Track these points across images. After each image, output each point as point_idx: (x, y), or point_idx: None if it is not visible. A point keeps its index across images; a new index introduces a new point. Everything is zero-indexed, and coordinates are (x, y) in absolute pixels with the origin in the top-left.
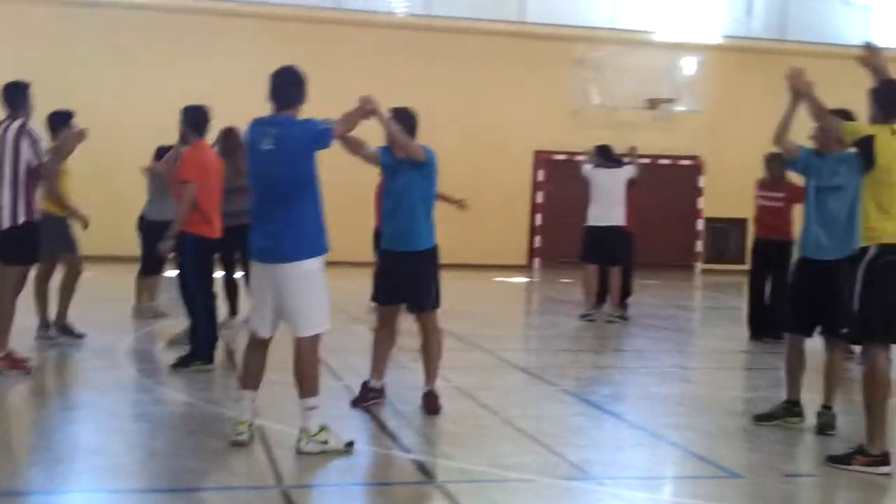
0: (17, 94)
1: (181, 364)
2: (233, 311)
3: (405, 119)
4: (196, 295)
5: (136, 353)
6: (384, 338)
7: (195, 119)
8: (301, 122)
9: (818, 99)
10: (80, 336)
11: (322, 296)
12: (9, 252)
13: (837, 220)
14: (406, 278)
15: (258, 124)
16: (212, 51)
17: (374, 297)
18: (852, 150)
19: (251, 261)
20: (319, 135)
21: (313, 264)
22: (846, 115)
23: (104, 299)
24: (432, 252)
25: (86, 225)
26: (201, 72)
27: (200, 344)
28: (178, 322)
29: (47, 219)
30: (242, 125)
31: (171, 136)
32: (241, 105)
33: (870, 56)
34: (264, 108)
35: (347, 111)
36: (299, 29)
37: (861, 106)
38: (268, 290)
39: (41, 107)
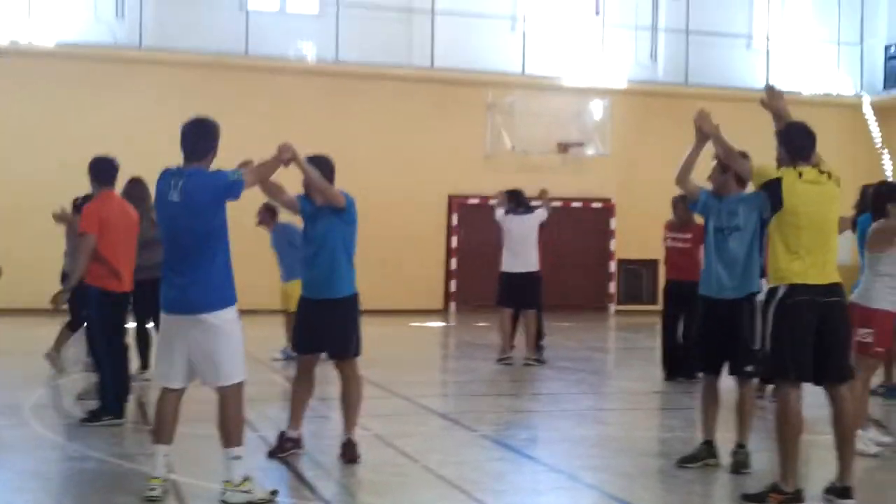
0: None
1: (91, 419)
2: (144, 364)
3: (323, 166)
4: (101, 349)
5: (43, 409)
6: (303, 387)
7: (96, 170)
8: (210, 174)
9: (726, 140)
10: None
11: (236, 346)
12: None
13: (737, 260)
14: (327, 326)
15: (167, 175)
16: (122, 98)
17: (295, 347)
18: (749, 191)
19: (161, 312)
20: (229, 186)
21: (225, 315)
22: (744, 157)
23: (9, 353)
24: (353, 299)
25: None
26: (111, 119)
27: (108, 398)
28: (88, 376)
29: None
30: (151, 172)
31: (83, 185)
32: (150, 152)
33: (771, 100)
34: (173, 156)
35: (264, 159)
36: (208, 76)
37: (761, 147)
38: (177, 341)
39: None
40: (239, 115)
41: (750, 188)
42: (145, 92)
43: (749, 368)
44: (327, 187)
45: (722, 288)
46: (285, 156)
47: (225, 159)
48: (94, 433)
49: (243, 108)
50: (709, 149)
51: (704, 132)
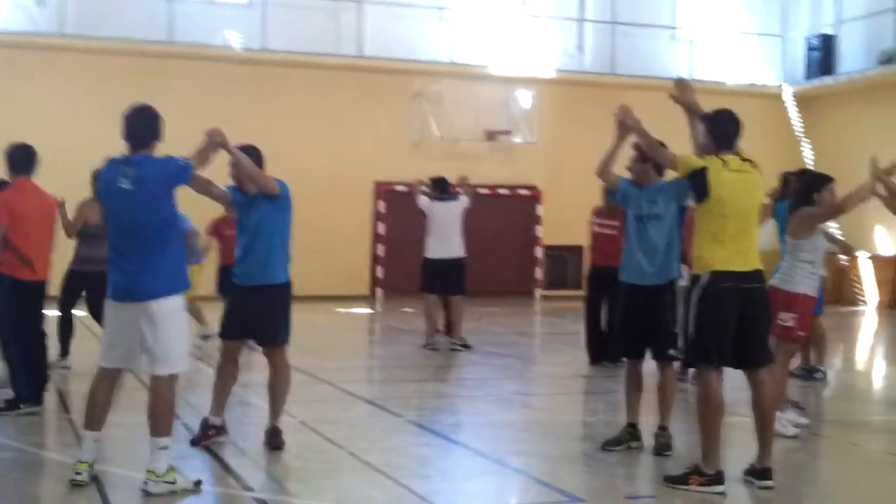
0: None
1: (8, 408)
2: (64, 351)
3: (252, 155)
4: (10, 338)
5: None
6: (228, 373)
7: (12, 158)
8: (161, 161)
9: (648, 134)
10: None
11: (182, 334)
12: None
13: (657, 248)
14: (260, 313)
15: (115, 164)
16: (43, 86)
17: (222, 333)
18: (667, 179)
19: (108, 299)
20: (179, 171)
21: (173, 302)
22: (662, 146)
23: None
24: (287, 287)
25: None
26: (31, 107)
27: (21, 386)
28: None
29: None
30: (74, 160)
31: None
32: (73, 141)
33: (681, 92)
34: (97, 143)
35: (198, 147)
36: (131, 64)
37: (686, 136)
38: (125, 328)
39: None
40: (163, 104)
41: (668, 176)
42: (67, 80)
43: (671, 352)
44: (259, 174)
45: (643, 275)
46: (216, 139)
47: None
48: (12, 422)
49: (168, 96)
50: (629, 140)
51: (626, 126)
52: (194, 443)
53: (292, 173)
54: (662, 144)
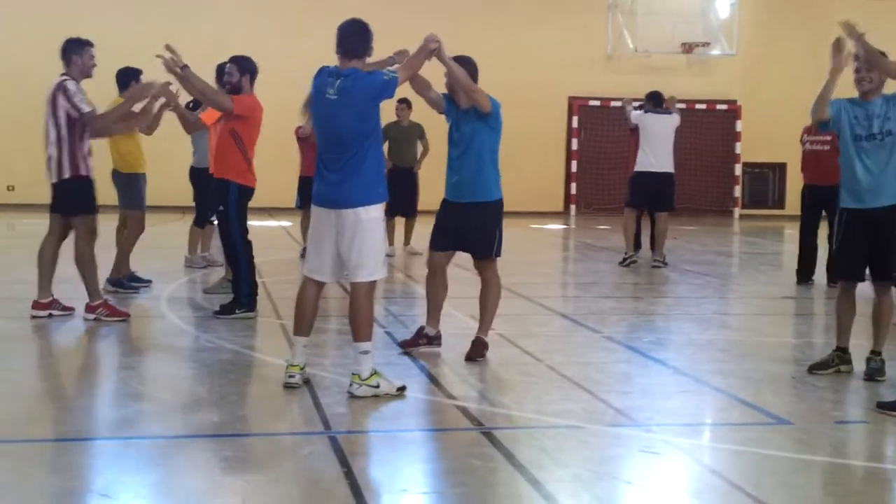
0: (68, 51)
1: (224, 312)
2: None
3: (468, 67)
4: (239, 244)
5: (177, 302)
6: (437, 284)
7: (250, 68)
8: (367, 75)
9: (870, 46)
10: (146, 283)
11: (378, 243)
12: (62, 205)
13: (888, 167)
14: (471, 229)
15: (324, 73)
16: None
17: (431, 244)
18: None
19: (313, 206)
20: (385, 86)
21: (371, 212)
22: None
23: (151, 248)
24: (498, 203)
25: None
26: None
27: (243, 292)
28: (220, 270)
29: (115, 175)
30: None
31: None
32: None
33: (849, 35)
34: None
35: (412, 54)
36: None
37: None
38: (327, 235)
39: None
40: (345, 13)
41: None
42: None
43: None
44: (473, 87)
45: (872, 196)
46: (432, 45)
47: (327, 58)
48: (227, 326)
49: (349, 7)
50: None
51: (853, 38)
52: (403, 347)
53: (484, 86)
54: (883, 55)
